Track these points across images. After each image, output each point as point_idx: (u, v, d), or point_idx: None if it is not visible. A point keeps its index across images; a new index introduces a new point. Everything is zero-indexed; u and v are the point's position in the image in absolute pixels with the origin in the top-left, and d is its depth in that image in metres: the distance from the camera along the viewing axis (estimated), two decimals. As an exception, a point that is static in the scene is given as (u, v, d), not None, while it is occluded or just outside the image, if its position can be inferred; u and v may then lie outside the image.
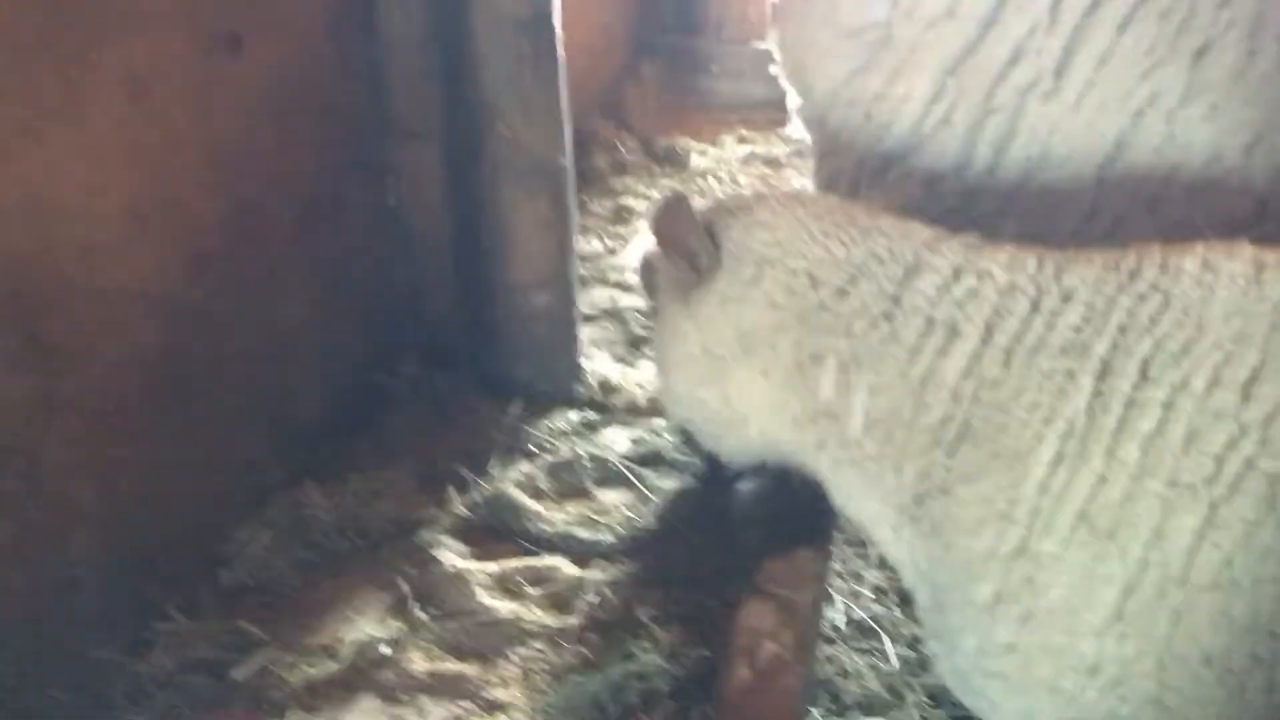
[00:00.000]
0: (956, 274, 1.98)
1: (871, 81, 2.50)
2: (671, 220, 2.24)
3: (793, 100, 2.86)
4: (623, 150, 5.38)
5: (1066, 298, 1.88)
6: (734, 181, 5.25)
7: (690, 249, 2.22)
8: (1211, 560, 1.67)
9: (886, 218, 2.18)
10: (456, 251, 3.41)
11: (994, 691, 1.89)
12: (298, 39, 2.81)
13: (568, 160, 3.32)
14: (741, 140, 5.66)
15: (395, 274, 3.35)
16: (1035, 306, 1.89)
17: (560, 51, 3.19)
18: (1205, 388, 1.72)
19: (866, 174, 2.59)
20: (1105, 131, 2.26)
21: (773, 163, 5.43)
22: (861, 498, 2.07)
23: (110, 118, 2.18)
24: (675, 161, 5.42)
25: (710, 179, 5.24)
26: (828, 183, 2.79)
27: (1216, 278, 1.83)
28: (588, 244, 4.58)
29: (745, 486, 3.01)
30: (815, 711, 2.62)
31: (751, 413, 2.24)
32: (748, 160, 5.44)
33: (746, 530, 2.81)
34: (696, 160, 5.38)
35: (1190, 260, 1.86)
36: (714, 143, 5.63)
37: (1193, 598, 1.68)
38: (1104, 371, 1.78)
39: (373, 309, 3.27)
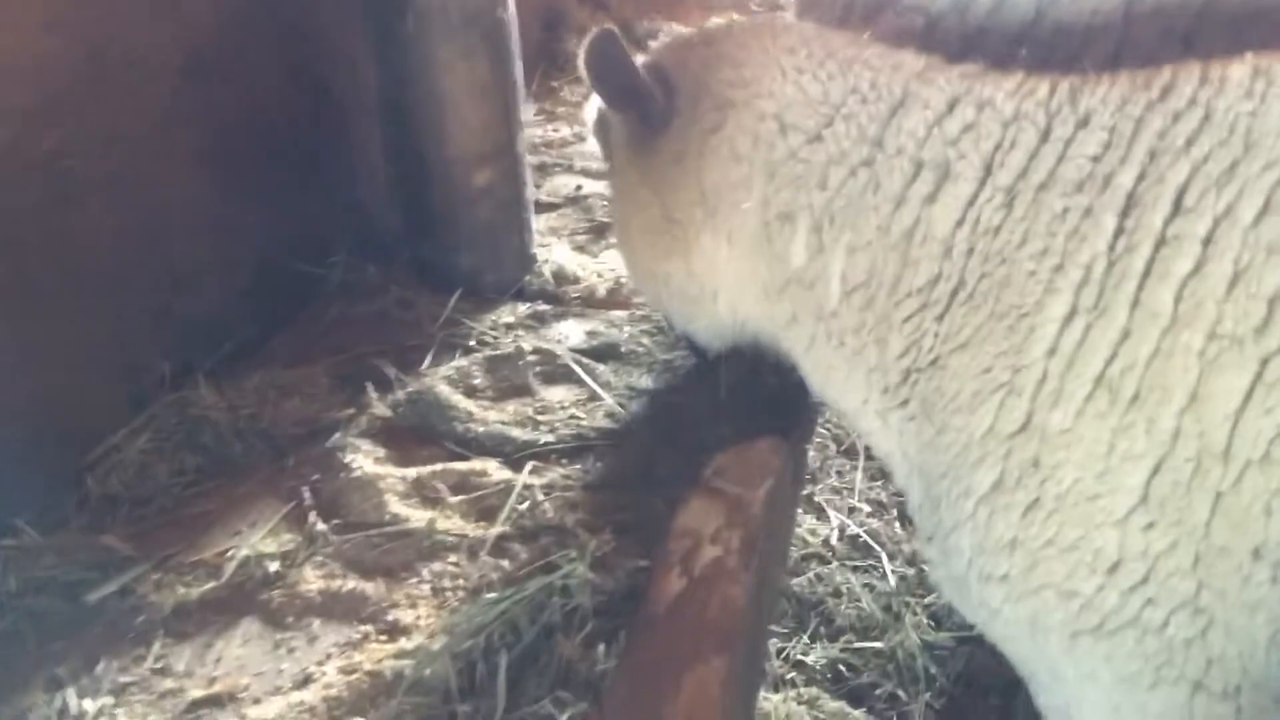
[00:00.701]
0: (951, 106, 1.64)
1: None
2: (603, 61, 1.87)
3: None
4: None
5: (1083, 123, 1.53)
6: (720, 65, 4.81)
7: (637, 93, 1.88)
8: (1261, 429, 1.31)
9: (874, 47, 1.82)
10: (386, 120, 3.00)
11: (994, 597, 1.56)
12: None
13: (509, 12, 2.89)
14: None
15: (313, 146, 2.94)
16: (1045, 136, 1.54)
17: None
18: (1255, 217, 1.36)
19: (856, 18, 2.18)
20: None
21: (763, 45, 4.98)
22: (842, 381, 1.77)
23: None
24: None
25: (694, 63, 4.79)
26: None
27: (1270, 87, 1.43)
28: (555, 130, 4.20)
29: (711, 381, 2.65)
30: (805, 636, 2.38)
31: (719, 286, 1.96)
32: (737, 43, 4.99)
33: (711, 427, 2.44)
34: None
35: (1238, 68, 1.47)
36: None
37: (1238, 475, 1.32)
38: (1129, 206, 1.44)
39: (285, 186, 2.87)
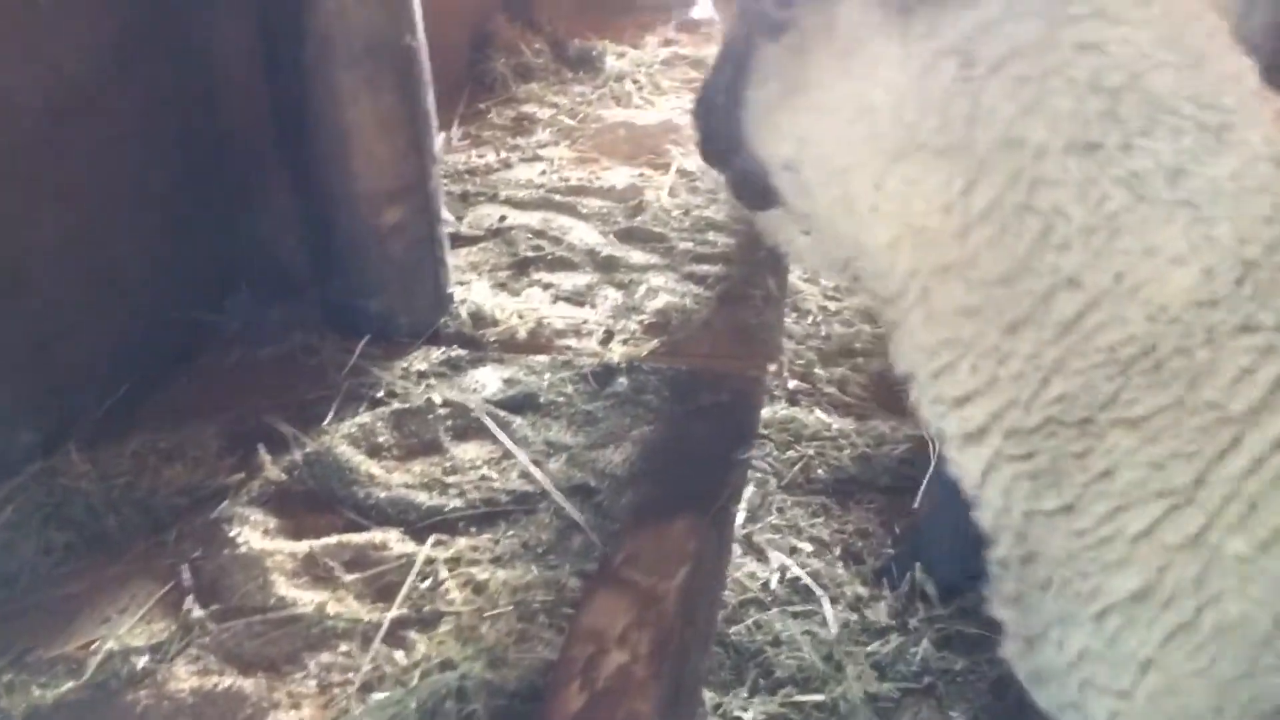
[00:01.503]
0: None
1: None
2: None
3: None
4: (528, 53, 4.80)
5: None
6: (655, 86, 4.67)
7: None
8: None
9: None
10: (288, 155, 2.81)
11: (1102, 708, 1.38)
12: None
13: (418, 39, 2.72)
14: (666, 42, 5.07)
15: (205, 182, 2.75)
16: None
17: None
18: None
19: None
20: None
21: (700, 65, 4.84)
22: (955, 391, 1.45)
23: None
24: (589, 65, 4.86)
25: (628, 83, 4.65)
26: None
27: None
28: (480, 157, 4.03)
29: (633, 440, 2.50)
30: (742, 690, 2.28)
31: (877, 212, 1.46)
32: (670, 62, 4.86)
33: (631, 491, 2.28)
34: (613, 63, 4.80)
35: None
36: (636, 44, 5.03)
37: None
38: None
39: (179, 227, 2.67)
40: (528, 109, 4.45)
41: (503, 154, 4.07)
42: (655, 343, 2.92)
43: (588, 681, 1.47)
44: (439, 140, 3.68)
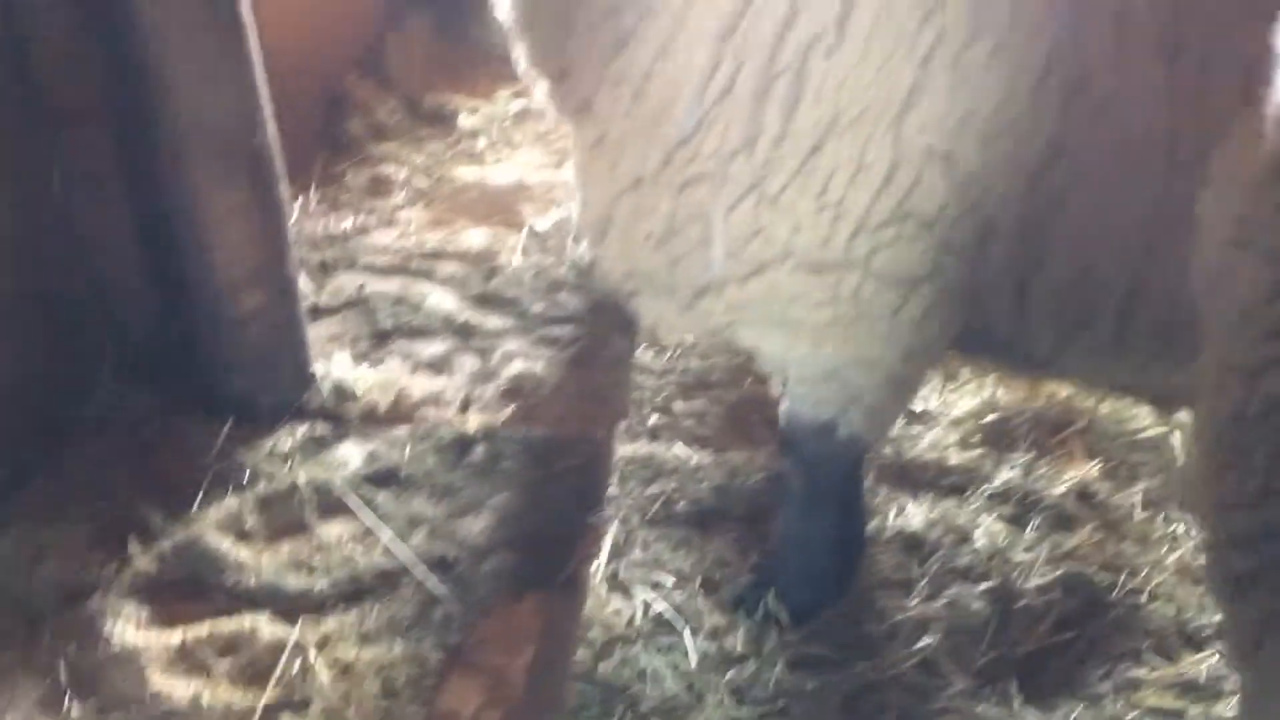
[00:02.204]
0: None
1: (640, 56, 2.23)
2: None
3: (541, 87, 2.50)
4: (381, 112, 4.92)
5: None
6: (507, 142, 4.86)
7: None
8: None
9: None
10: (147, 248, 2.94)
11: None
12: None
13: (268, 135, 2.87)
14: (517, 95, 5.25)
15: (69, 281, 2.86)
16: None
17: (246, 10, 2.73)
18: None
19: (650, 167, 2.32)
20: (894, 83, 2.08)
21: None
22: None
23: None
24: (442, 121, 5.00)
25: (480, 140, 4.83)
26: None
27: None
28: (338, 223, 4.15)
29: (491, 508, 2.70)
30: None
31: None
32: (521, 116, 5.05)
33: (485, 561, 2.49)
34: (465, 120, 4.97)
35: None
36: (488, 98, 5.20)
37: None
38: None
39: (39, 325, 2.77)
40: (383, 169, 4.56)
41: (360, 218, 4.19)
42: (511, 409, 3.12)
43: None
44: (295, 207, 3.81)
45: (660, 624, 2.77)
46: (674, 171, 2.22)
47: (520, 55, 2.43)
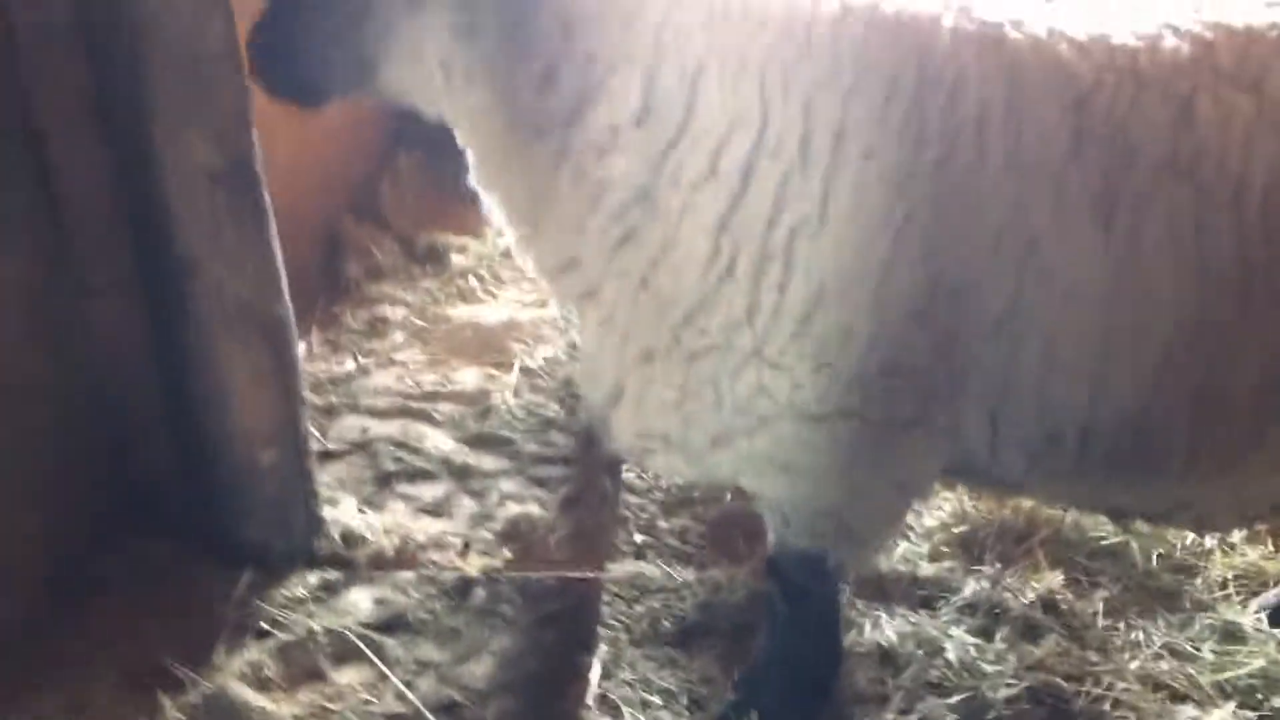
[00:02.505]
0: None
1: (646, 249, 2.49)
2: None
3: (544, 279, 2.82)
4: (378, 254, 5.20)
5: None
6: (495, 278, 5.15)
7: None
8: None
9: None
10: (170, 409, 3.18)
11: None
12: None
13: (286, 306, 3.14)
14: (501, 231, 5.56)
15: (95, 438, 3.11)
16: None
17: (266, 198, 3.02)
18: None
19: (661, 344, 2.57)
20: (871, 256, 2.34)
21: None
22: None
23: None
24: (436, 260, 5.28)
25: (471, 278, 5.11)
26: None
27: None
28: (338, 364, 4.41)
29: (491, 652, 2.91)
30: None
31: None
32: (509, 253, 5.30)
33: (489, 704, 2.70)
34: (456, 259, 5.25)
35: None
36: (477, 235, 5.49)
37: None
38: None
39: (67, 480, 3.00)
40: (380, 310, 4.82)
41: (361, 360, 4.45)
42: (507, 552, 3.35)
43: None
44: (301, 350, 4.05)
45: None
46: (684, 346, 2.47)
47: (529, 259, 2.72)
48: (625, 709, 3.00)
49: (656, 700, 3.07)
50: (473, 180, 2.69)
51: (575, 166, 2.43)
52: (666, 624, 3.36)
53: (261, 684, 2.79)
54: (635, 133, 2.37)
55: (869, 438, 2.47)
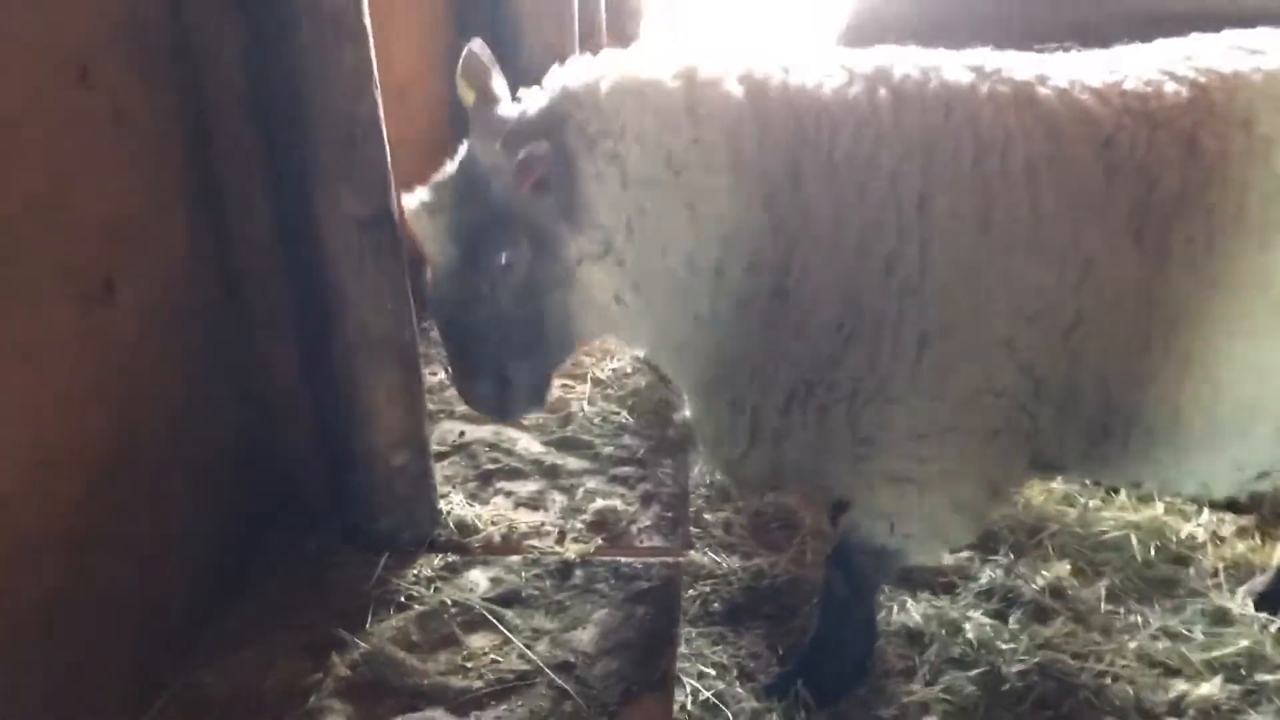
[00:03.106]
0: None
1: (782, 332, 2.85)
2: None
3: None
4: None
5: None
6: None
7: None
8: None
9: None
10: (319, 422, 3.71)
11: None
12: (162, 268, 3.10)
13: (415, 334, 3.68)
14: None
15: (260, 452, 3.64)
16: None
17: (403, 242, 3.55)
18: None
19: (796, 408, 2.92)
20: (968, 301, 2.71)
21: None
22: None
23: (20, 386, 2.47)
24: None
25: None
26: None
27: None
28: (433, 374, 4.90)
29: (594, 622, 3.43)
30: None
31: None
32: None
33: (596, 665, 3.23)
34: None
35: None
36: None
37: None
38: None
39: (243, 486, 3.55)
40: None
41: (450, 370, 4.96)
42: (598, 539, 3.84)
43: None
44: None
45: (708, 708, 3.22)
46: (818, 399, 2.81)
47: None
48: (685, 679, 3.34)
49: (711, 672, 3.36)
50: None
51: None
52: (716, 606, 3.70)
53: (409, 646, 3.30)
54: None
55: (969, 448, 2.79)
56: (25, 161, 2.48)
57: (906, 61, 2.79)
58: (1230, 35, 2.87)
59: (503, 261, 2.72)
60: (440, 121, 6.05)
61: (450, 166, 2.87)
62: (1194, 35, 2.91)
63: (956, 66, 2.77)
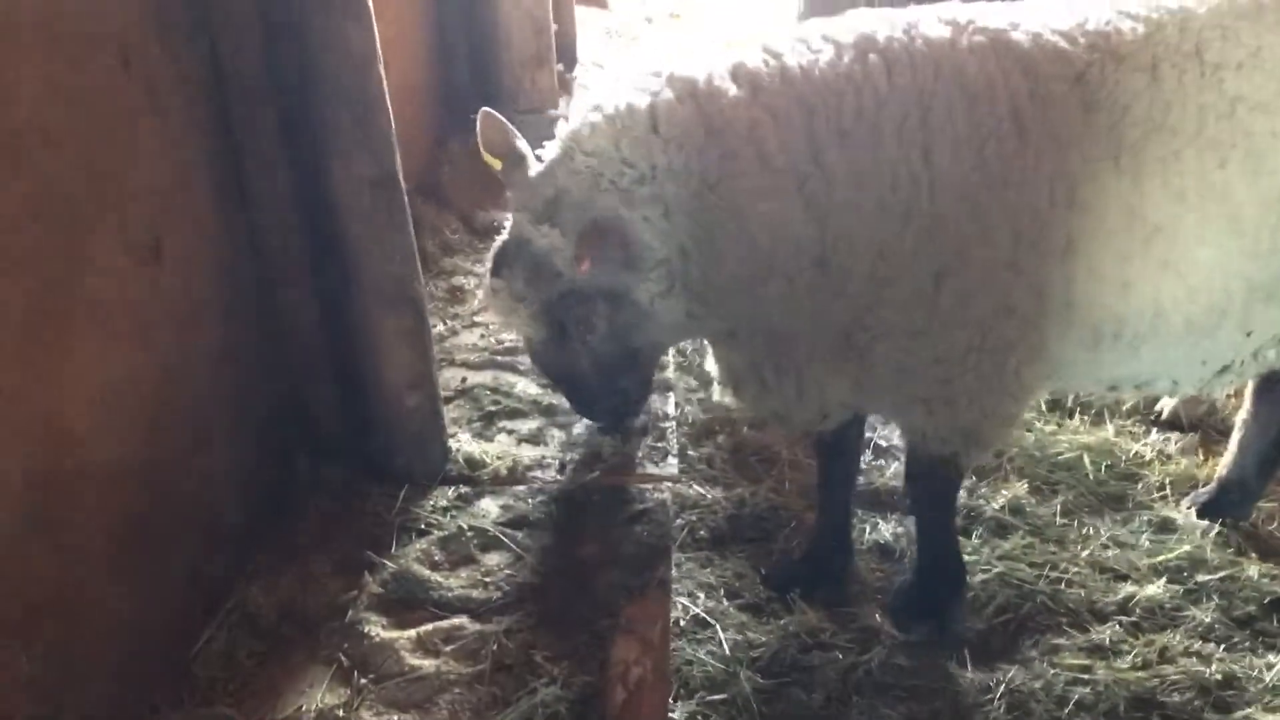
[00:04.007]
0: None
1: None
2: None
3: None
4: (447, 231, 5.99)
5: None
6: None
7: None
8: None
9: None
10: (337, 367, 4.04)
11: None
12: (198, 229, 3.42)
13: (421, 282, 4.02)
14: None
15: (286, 391, 3.99)
16: None
17: (406, 199, 3.88)
18: None
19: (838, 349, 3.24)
20: (975, 236, 2.96)
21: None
22: None
23: (89, 336, 2.80)
24: (493, 236, 5.91)
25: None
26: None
27: None
28: (434, 326, 5.20)
29: (599, 538, 3.81)
30: (669, 698, 3.16)
31: None
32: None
33: (604, 575, 3.61)
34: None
35: None
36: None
37: None
38: None
39: (273, 423, 3.89)
40: (457, 280, 5.63)
41: (449, 323, 5.30)
42: (596, 472, 4.17)
43: (625, 684, 2.80)
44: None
45: (698, 622, 3.54)
46: (854, 341, 3.09)
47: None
48: (677, 599, 3.60)
49: (699, 593, 3.70)
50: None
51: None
52: (702, 533, 4.01)
53: (433, 565, 3.65)
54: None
55: (987, 365, 3.04)
56: (84, 143, 2.78)
57: (885, 24, 2.98)
58: None
59: (585, 327, 3.12)
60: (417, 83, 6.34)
61: (502, 239, 3.27)
62: None
63: (933, 22, 2.98)
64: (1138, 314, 3.01)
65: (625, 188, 2.91)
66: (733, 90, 2.94)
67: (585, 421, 4.42)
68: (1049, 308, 2.98)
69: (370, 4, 3.62)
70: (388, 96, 3.74)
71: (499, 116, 3.22)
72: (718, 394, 3.54)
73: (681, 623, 3.59)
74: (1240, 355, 3.23)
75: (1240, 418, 4.02)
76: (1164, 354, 3.15)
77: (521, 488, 4.09)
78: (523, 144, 3.23)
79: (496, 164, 3.21)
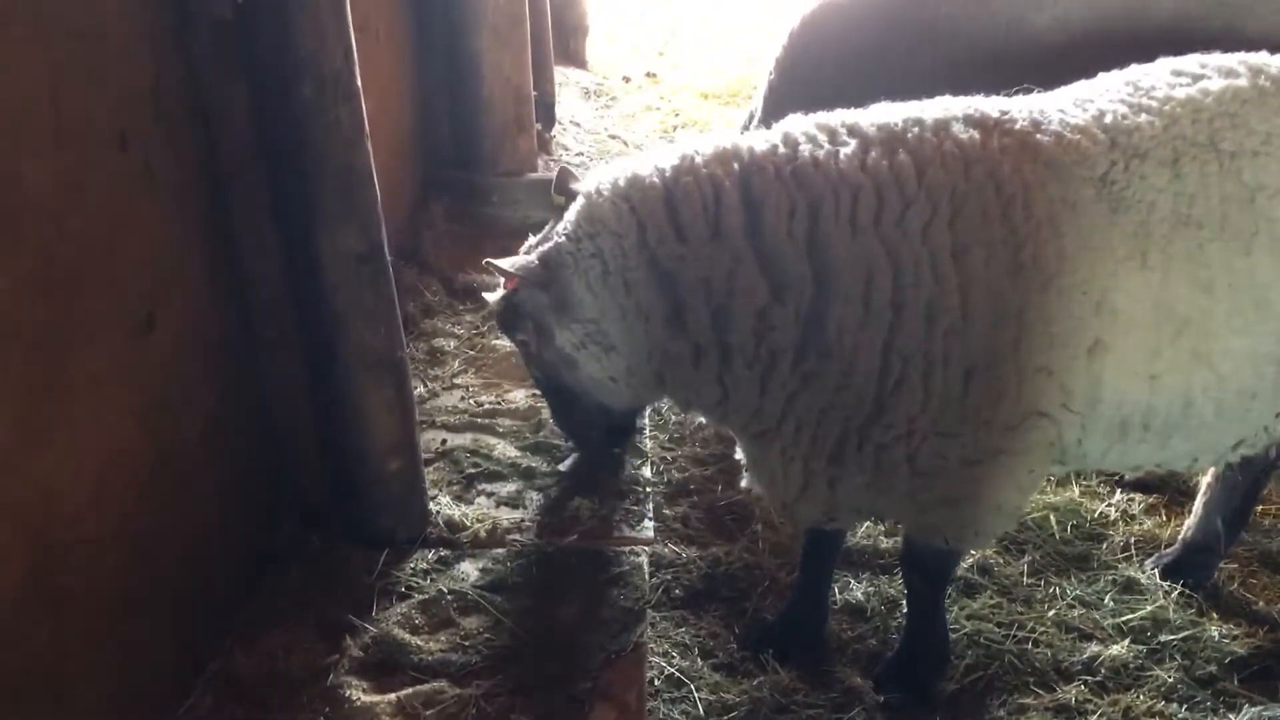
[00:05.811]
0: None
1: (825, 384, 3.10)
2: None
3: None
4: (428, 294, 6.08)
5: None
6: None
7: None
8: None
9: None
10: (321, 434, 4.14)
11: None
12: (191, 303, 3.53)
13: (405, 352, 4.13)
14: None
15: (272, 458, 4.07)
16: None
17: (391, 272, 4.00)
18: None
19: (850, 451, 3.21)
20: (1005, 334, 2.94)
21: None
22: None
23: (85, 408, 2.89)
24: (472, 297, 6.08)
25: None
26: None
27: None
28: (414, 389, 5.30)
29: (574, 602, 3.89)
30: None
31: None
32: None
33: (580, 637, 3.70)
34: (490, 296, 6.15)
35: None
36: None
37: None
38: None
39: (259, 490, 3.98)
40: (436, 342, 5.68)
41: (429, 385, 5.38)
42: (574, 535, 4.25)
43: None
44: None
45: (672, 682, 3.56)
46: (873, 442, 3.06)
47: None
48: (652, 658, 3.60)
49: (674, 652, 3.70)
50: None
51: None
52: (677, 591, 4.02)
53: (413, 629, 3.72)
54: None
55: (1013, 465, 3.05)
56: (82, 218, 2.89)
57: (910, 119, 3.01)
58: (1165, 63, 3.14)
59: (519, 339, 3.55)
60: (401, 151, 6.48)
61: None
62: (1133, 66, 3.19)
63: (960, 123, 2.99)
64: (1167, 405, 3.00)
65: (575, 239, 3.25)
66: (708, 168, 3.09)
67: (562, 484, 4.53)
68: (1075, 405, 2.98)
69: (359, 85, 3.75)
70: (374, 172, 3.86)
71: (574, 175, 3.63)
72: (745, 481, 3.60)
73: (656, 682, 3.60)
74: (1265, 432, 3.24)
75: (1205, 480, 4.05)
76: (1193, 441, 3.13)
77: (500, 550, 4.17)
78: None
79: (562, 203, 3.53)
